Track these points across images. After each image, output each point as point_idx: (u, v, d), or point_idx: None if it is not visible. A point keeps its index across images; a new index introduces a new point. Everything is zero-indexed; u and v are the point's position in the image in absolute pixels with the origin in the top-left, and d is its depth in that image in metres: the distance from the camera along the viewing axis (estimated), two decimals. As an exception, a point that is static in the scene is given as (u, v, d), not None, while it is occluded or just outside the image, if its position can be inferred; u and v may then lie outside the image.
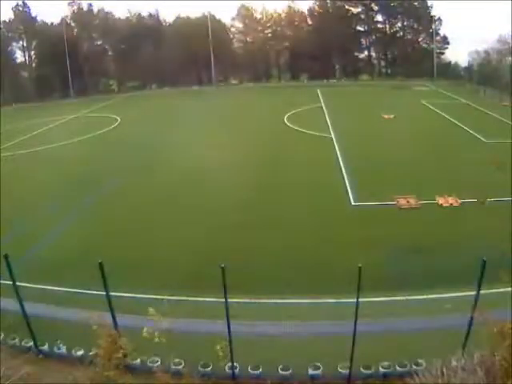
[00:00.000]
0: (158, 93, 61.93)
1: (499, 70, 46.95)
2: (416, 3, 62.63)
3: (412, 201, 16.40)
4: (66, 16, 64.36)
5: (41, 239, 14.87)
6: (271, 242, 13.84)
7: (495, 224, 13.68)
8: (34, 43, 63.08)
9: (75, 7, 65.30)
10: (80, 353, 8.80)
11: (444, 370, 6.44)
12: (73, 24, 65.06)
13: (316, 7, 66.75)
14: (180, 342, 8.12)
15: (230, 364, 8.14)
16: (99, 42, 67.41)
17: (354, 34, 65.56)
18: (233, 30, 69.45)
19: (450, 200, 16.24)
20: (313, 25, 66.80)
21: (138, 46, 63.11)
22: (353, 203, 16.91)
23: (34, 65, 64.03)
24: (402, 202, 16.41)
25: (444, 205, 16.06)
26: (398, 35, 65.23)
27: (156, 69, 62.94)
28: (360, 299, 7.68)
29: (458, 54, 59.48)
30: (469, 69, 54.42)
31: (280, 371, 8.22)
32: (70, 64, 60.11)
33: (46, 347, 9.12)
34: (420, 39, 64.81)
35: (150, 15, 67.74)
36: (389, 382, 7.95)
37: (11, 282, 8.58)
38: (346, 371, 8.08)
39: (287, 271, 11.96)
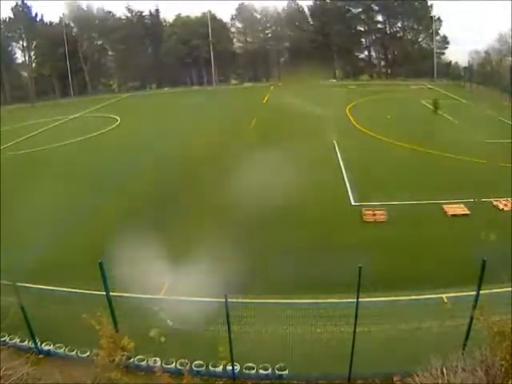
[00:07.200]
0: (158, 93, 61.82)
1: (499, 70, 46.89)
2: (416, 3, 62.50)
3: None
4: (66, 16, 64.47)
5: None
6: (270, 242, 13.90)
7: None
8: (34, 43, 63.01)
9: (75, 7, 65.29)
10: (80, 353, 8.81)
11: (444, 370, 6.45)
12: (72, 24, 65.01)
13: (316, 7, 66.66)
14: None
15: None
16: (99, 42, 67.32)
17: (354, 34, 65.48)
18: (233, 29, 69.43)
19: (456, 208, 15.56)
20: (313, 25, 66.75)
21: (137, 45, 63.08)
22: (353, 203, 16.92)
23: (33, 65, 63.94)
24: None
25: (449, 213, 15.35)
26: (398, 35, 65.09)
27: (156, 69, 62.86)
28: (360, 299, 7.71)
29: (458, 54, 59.36)
30: (469, 69, 54.31)
31: (277, 371, 8.23)
32: (69, 64, 60.10)
33: (45, 347, 9.13)
34: (420, 39, 64.71)
35: (151, 15, 67.60)
36: (389, 381, 7.95)
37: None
38: (346, 371, 8.08)
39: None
